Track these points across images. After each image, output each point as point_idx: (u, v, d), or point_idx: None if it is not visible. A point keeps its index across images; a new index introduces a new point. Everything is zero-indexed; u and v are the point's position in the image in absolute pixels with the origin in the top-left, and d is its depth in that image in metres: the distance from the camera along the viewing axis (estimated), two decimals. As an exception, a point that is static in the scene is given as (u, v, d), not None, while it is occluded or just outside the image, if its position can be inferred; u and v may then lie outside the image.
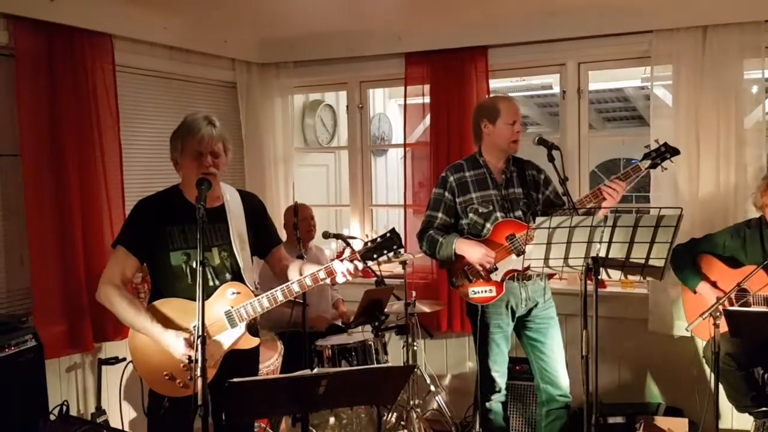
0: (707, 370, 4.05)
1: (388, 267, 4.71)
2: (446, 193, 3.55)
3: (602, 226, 2.75)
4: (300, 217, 4.27)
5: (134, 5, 4.01)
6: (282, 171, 5.37)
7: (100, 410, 3.89)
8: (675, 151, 3.38)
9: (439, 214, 3.56)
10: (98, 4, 3.82)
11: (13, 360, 3.19)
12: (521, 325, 3.58)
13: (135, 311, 2.68)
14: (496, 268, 3.39)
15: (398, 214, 5.64)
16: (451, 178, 3.54)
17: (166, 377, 2.67)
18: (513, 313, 3.52)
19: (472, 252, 3.40)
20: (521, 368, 4.20)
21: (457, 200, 3.52)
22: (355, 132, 5.34)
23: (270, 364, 3.81)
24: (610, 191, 3.28)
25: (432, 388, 4.54)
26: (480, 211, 3.47)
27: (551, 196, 3.61)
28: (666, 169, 3.42)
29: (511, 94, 4.46)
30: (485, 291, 3.44)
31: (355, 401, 2.95)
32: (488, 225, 3.45)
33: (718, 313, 3.30)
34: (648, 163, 3.37)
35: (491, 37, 4.55)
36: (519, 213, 3.47)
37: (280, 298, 2.69)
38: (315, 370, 2.60)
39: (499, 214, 3.45)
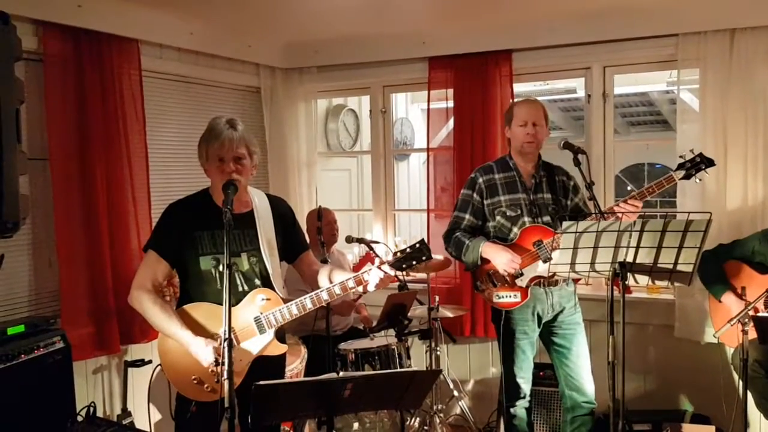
0: (735, 377, 3.99)
1: (411, 271, 4.69)
2: (474, 195, 3.53)
3: (630, 231, 2.73)
4: (323, 222, 4.28)
5: (160, 11, 4.06)
6: (305, 175, 5.40)
7: (126, 412, 3.92)
8: (710, 163, 3.31)
9: (467, 216, 3.55)
10: (125, 9, 3.86)
11: (42, 361, 3.24)
12: (547, 330, 3.56)
13: (166, 316, 2.69)
14: (522, 274, 3.37)
15: (420, 219, 5.64)
16: (480, 180, 3.52)
17: (195, 381, 2.68)
18: (539, 319, 3.50)
19: (498, 257, 3.37)
20: (544, 374, 4.19)
21: (485, 202, 3.50)
22: (378, 136, 5.35)
23: (293, 367, 3.83)
24: (623, 211, 3.21)
25: (455, 393, 4.52)
26: (508, 214, 3.45)
27: (580, 203, 3.57)
28: (701, 180, 3.35)
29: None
30: (510, 296, 3.42)
31: (380, 405, 2.95)
32: (515, 229, 3.43)
33: (746, 320, 3.25)
34: (682, 173, 3.30)
35: (516, 41, 4.54)
36: (547, 218, 3.44)
37: (309, 305, 2.70)
38: (341, 374, 2.61)
39: (526, 219, 3.43)
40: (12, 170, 2.18)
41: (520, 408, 3.59)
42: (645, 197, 3.26)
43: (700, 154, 3.31)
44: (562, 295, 3.49)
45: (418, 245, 2.64)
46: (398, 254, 2.64)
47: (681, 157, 3.35)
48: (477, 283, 3.54)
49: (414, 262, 2.64)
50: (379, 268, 2.63)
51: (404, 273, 2.75)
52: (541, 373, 4.16)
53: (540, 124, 3.46)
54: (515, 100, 4.56)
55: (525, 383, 3.56)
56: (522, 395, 3.57)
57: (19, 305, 3.56)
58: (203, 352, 2.62)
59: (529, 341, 3.51)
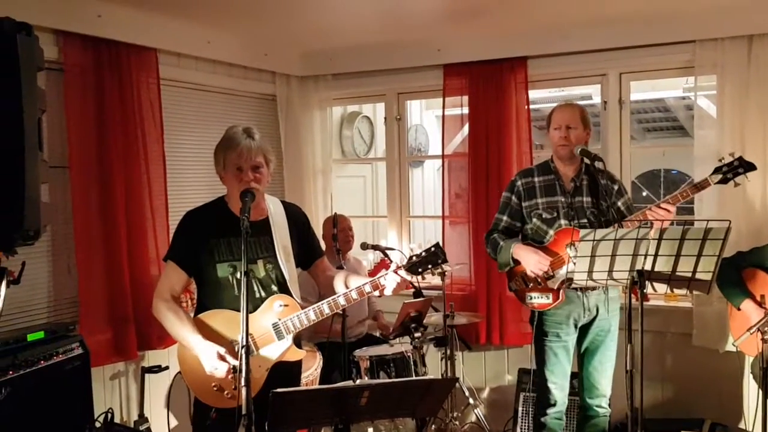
0: (754, 386, 3.95)
1: (427, 278, 4.70)
2: (513, 197, 3.56)
3: (648, 239, 2.72)
4: (338, 228, 4.29)
5: (179, 20, 4.10)
6: (320, 182, 5.42)
7: (142, 418, 3.94)
8: (750, 167, 3.21)
9: (504, 217, 3.58)
10: (144, 19, 3.90)
11: (61, 367, 3.28)
12: (581, 334, 3.52)
13: (179, 323, 2.71)
14: (553, 275, 3.35)
15: (435, 226, 5.63)
16: (519, 182, 3.56)
17: (214, 388, 2.69)
18: (575, 324, 3.47)
19: (527, 258, 3.38)
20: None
21: (523, 204, 3.53)
22: (392, 143, 5.36)
23: (309, 374, 3.84)
24: (657, 216, 3.16)
25: (470, 400, 4.50)
26: (544, 216, 3.46)
27: (623, 208, 3.52)
28: (739, 184, 3.25)
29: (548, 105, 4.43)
30: (541, 297, 3.41)
31: (397, 413, 2.95)
32: (551, 232, 3.42)
33: (766, 328, 3.22)
34: (719, 177, 3.22)
35: (531, 47, 4.54)
36: (584, 221, 3.41)
37: (327, 311, 2.72)
38: (357, 382, 2.61)
39: (563, 222, 3.41)
40: (34, 179, 2.20)
41: (550, 418, 3.53)
42: (679, 201, 3.21)
43: (740, 158, 3.22)
44: (600, 300, 3.44)
45: (433, 249, 2.65)
46: (413, 258, 2.65)
47: (720, 160, 3.27)
48: (510, 284, 3.54)
49: (430, 266, 2.65)
50: (396, 273, 2.65)
51: (420, 277, 2.76)
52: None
53: (575, 127, 3.45)
54: (529, 106, 4.60)
55: (557, 390, 3.51)
56: (552, 402, 3.51)
57: (38, 311, 3.59)
58: (208, 359, 2.62)
59: (562, 345, 3.47)
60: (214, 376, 2.62)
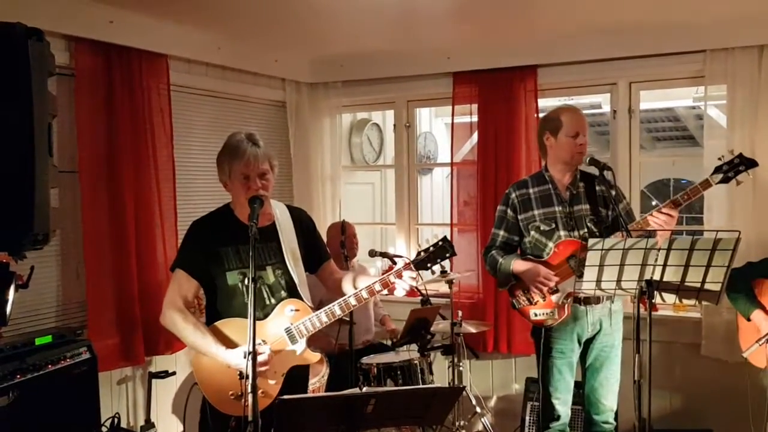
0: (764, 397, 3.92)
1: (435, 286, 4.69)
2: (508, 210, 3.47)
3: (657, 249, 2.70)
4: (346, 235, 4.29)
5: (189, 27, 4.12)
6: (329, 189, 5.43)
7: (149, 423, 3.95)
8: (752, 163, 3.08)
9: (501, 232, 3.50)
10: (155, 25, 3.93)
11: (68, 372, 3.28)
12: (585, 348, 3.45)
13: (201, 334, 2.69)
14: (557, 290, 3.29)
15: (443, 233, 5.62)
16: (513, 195, 3.47)
17: (232, 396, 2.67)
18: (579, 339, 3.38)
19: (527, 273, 3.31)
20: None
21: (519, 217, 3.44)
22: (402, 150, 5.37)
23: (316, 381, 3.83)
24: (659, 222, 3.10)
25: (477, 409, 4.47)
26: (542, 228, 3.36)
27: (622, 214, 3.36)
28: (741, 182, 3.11)
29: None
30: (546, 313, 3.33)
31: (403, 421, 2.94)
32: (550, 244, 3.33)
33: (776, 340, 3.20)
34: (719, 177, 3.08)
35: (541, 56, 4.54)
36: (584, 231, 3.32)
37: (338, 312, 2.71)
38: (364, 389, 2.61)
39: (562, 233, 3.32)
40: (43, 183, 2.21)
41: (554, 431, 3.48)
42: (681, 204, 3.11)
43: (740, 155, 3.10)
44: (604, 313, 3.36)
45: (440, 243, 2.64)
46: (421, 254, 2.64)
47: (720, 158, 3.14)
48: (513, 301, 3.46)
49: (438, 260, 2.64)
50: (405, 270, 2.64)
51: (430, 273, 2.74)
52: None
53: (587, 134, 3.37)
54: (539, 114, 4.58)
55: (560, 405, 3.44)
56: (556, 416, 3.45)
57: (46, 316, 3.61)
58: (239, 364, 2.58)
59: (566, 361, 3.39)
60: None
